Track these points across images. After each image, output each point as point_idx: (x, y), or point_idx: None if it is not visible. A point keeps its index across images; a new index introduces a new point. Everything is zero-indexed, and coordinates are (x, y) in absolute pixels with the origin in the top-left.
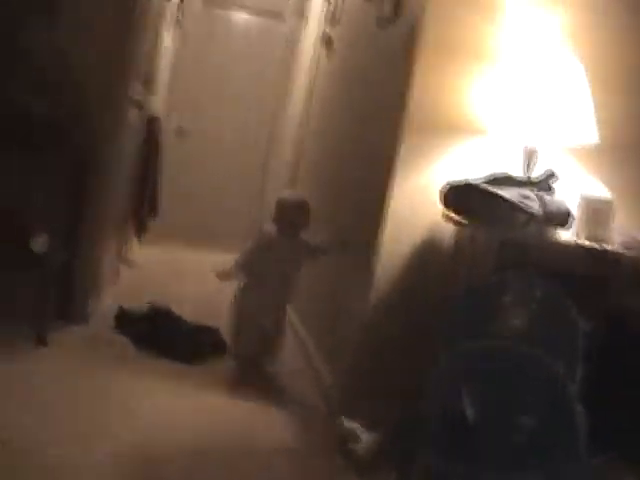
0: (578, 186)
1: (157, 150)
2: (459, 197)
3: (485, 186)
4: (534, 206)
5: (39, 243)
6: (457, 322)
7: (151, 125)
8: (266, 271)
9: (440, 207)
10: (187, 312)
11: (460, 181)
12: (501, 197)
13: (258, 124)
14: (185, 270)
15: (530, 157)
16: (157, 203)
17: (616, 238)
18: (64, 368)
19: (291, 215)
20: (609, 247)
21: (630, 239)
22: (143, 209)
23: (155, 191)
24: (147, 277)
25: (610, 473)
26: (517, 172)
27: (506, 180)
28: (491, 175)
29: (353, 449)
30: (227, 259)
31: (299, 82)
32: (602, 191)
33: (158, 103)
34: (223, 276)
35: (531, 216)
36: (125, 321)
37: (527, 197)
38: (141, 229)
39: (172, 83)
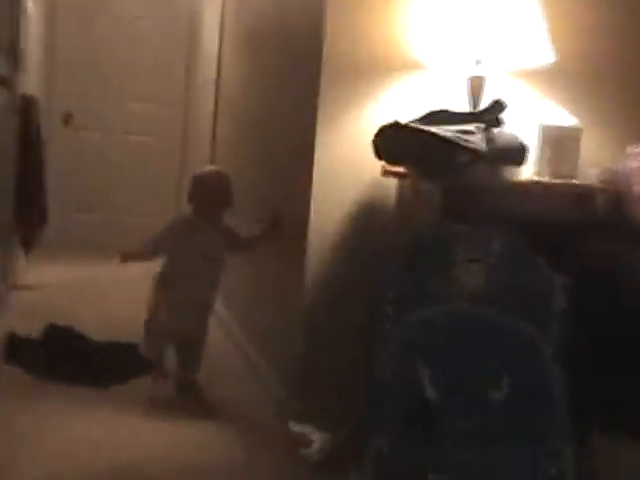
0: (538, 117)
1: (39, 139)
2: (389, 143)
3: (415, 125)
4: (476, 142)
5: None
6: (404, 288)
7: (27, 107)
8: (183, 264)
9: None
10: (95, 331)
11: (388, 123)
12: (435, 134)
13: (162, 101)
14: (87, 288)
15: (476, 89)
16: (45, 207)
17: (591, 172)
18: None
19: (209, 192)
20: (579, 183)
21: (607, 172)
22: (28, 216)
23: (41, 192)
24: (41, 300)
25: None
26: (463, 109)
27: (444, 116)
28: (426, 113)
29: (306, 454)
30: (138, 271)
31: (205, 47)
32: (567, 119)
33: (31, 82)
34: (128, 257)
35: (474, 154)
36: (17, 349)
37: (468, 132)
38: (28, 242)
39: (47, 59)
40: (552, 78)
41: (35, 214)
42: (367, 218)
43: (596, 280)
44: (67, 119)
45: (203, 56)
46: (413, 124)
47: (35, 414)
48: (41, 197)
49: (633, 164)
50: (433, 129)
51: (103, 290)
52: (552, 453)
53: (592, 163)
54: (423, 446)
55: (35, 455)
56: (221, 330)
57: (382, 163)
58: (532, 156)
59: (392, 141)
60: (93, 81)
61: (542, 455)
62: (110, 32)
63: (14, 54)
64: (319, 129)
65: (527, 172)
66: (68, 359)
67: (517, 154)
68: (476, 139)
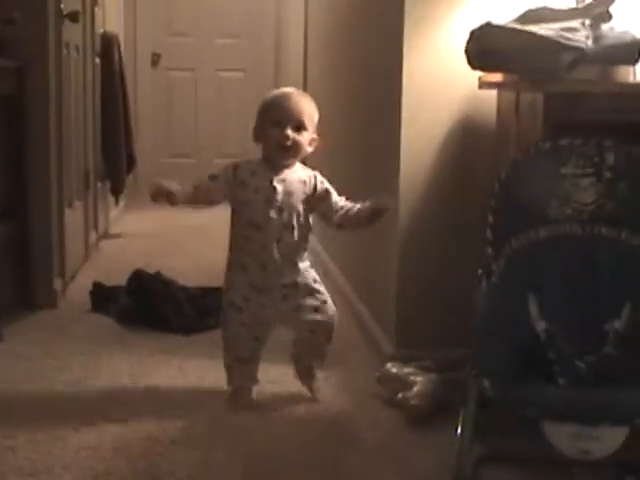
0: None
1: (122, 79)
2: (482, 47)
3: (511, 25)
4: (582, 39)
5: None
6: (506, 210)
7: (108, 46)
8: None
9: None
10: (183, 278)
11: (480, 25)
12: (533, 33)
13: (253, 37)
14: (175, 235)
15: None
16: (133, 151)
17: None
18: (26, 362)
19: (281, 117)
20: None
21: None
22: (116, 161)
23: (129, 136)
24: (130, 248)
25: None
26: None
27: (543, 13)
28: (524, 12)
29: (405, 397)
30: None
31: None
32: None
33: (112, 17)
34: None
35: (579, 53)
36: (103, 297)
37: (572, 29)
38: (117, 188)
39: None
40: None
41: (123, 160)
42: (465, 136)
43: None
44: (155, 60)
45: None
46: (509, 24)
47: (122, 360)
48: (129, 142)
49: None
50: (531, 28)
51: (192, 236)
52: None
53: None
54: (532, 386)
55: (123, 400)
56: (319, 269)
57: (478, 73)
58: None
59: (486, 44)
60: (179, 18)
61: None
62: None
63: None
64: (406, 42)
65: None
66: (154, 305)
67: (630, 52)
68: (581, 36)
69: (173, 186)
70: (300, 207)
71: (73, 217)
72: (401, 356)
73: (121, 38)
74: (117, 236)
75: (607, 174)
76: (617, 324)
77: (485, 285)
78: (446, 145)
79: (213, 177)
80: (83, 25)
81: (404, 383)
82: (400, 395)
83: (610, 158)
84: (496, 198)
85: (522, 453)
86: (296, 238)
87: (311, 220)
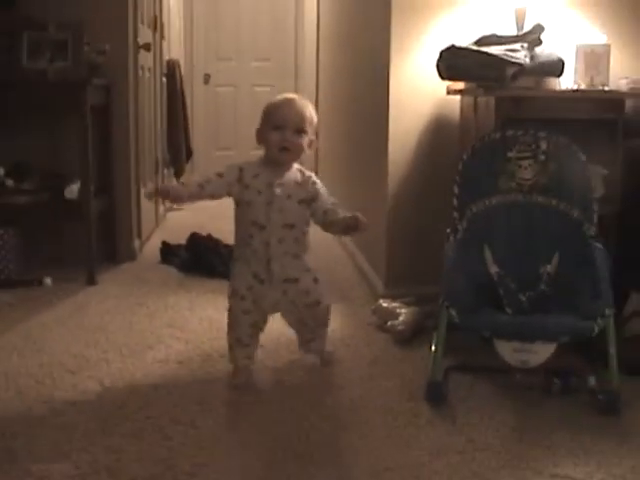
0: (574, 37)
1: (182, 93)
2: (448, 63)
3: (469, 46)
4: (521, 57)
5: (72, 191)
6: (468, 185)
7: (171, 68)
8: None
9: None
10: (227, 238)
11: (446, 47)
12: (485, 53)
13: (278, 59)
14: (223, 208)
15: (520, 16)
16: (190, 145)
17: (622, 84)
18: (114, 299)
19: (283, 122)
20: (610, 89)
21: (635, 83)
22: (178, 153)
23: (187, 134)
24: (188, 218)
25: None
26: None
27: (493, 39)
28: (479, 38)
29: (392, 325)
30: None
31: (307, 13)
32: (599, 38)
33: (174, 47)
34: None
35: (519, 67)
36: (169, 253)
37: (514, 50)
38: (178, 173)
39: (186, 28)
40: (585, 4)
41: (183, 151)
42: (437, 129)
43: (627, 169)
44: (206, 79)
45: (307, 20)
46: (468, 46)
47: (183, 298)
48: (187, 139)
49: None
50: (484, 49)
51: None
52: (596, 315)
53: (622, 75)
54: (487, 314)
55: (185, 326)
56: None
57: (446, 83)
58: (571, 70)
59: (451, 61)
60: (225, 46)
61: (587, 315)
62: (234, 5)
63: (157, 26)
64: (392, 59)
65: (567, 83)
66: (205, 258)
67: (556, 67)
68: (521, 55)
69: (176, 187)
70: (298, 207)
71: None
72: (390, 294)
73: (181, 63)
74: (178, 209)
75: (541, 157)
76: (549, 268)
77: (452, 240)
78: (423, 136)
79: (220, 174)
80: (153, 53)
81: (392, 314)
82: (389, 323)
83: (543, 145)
84: (460, 175)
85: (479, 364)
86: (296, 236)
87: (309, 218)
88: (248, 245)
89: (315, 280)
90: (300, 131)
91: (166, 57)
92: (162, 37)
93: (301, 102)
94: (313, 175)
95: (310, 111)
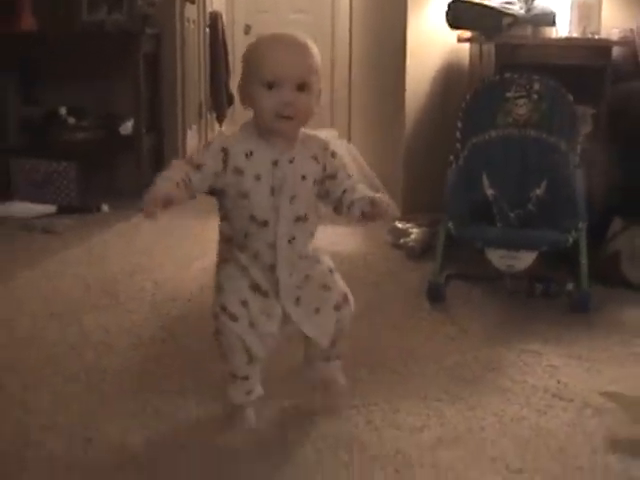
0: None
1: (224, 44)
2: (454, 14)
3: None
4: (516, 9)
5: (126, 128)
6: (470, 120)
7: (214, 20)
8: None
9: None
10: None
11: (451, 0)
12: (485, 5)
13: (315, 12)
14: None
15: None
16: (231, 93)
17: (612, 33)
18: (162, 223)
19: (277, 76)
20: (600, 37)
21: (624, 31)
22: (220, 100)
23: (228, 81)
24: None
25: (625, 232)
26: None
27: None
28: None
29: (405, 242)
30: None
31: None
32: None
33: (216, 0)
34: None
35: (514, 17)
36: (211, 191)
37: (511, 3)
38: (220, 116)
39: None
40: None
41: (225, 98)
42: (449, 73)
43: (614, 109)
44: (247, 30)
45: None
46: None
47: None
48: (229, 86)
49: None
50: (484, 1)
51: None
52: (572, 228)
53: (613, 24)
54: (480, 227)
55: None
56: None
57: (457, 33)
58: (566, 21)
59: (456, 12)
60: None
61: (565, 229)
62: None
63: None
64: (409, 11)
65: (562, 32)
66: None
67: (549, 17)
68: (516, 7)
69: (165, 191)
70: (313, 191)
71: (192, 135)
72: (404, 217)
73: (223, 14)
74: None
75: (534, 96)
76: (538, 191)
77: (454, 166)
78: (437, 79)
79: (196, 166)
80: (197, 6)
81: (405, 233)
82: (402, 240)
83: (537, 86)
84: (463, 111)
85: (475, 273)
86: (310, 230)
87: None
88: (243, 247)
89: (330, 271)
90: (303, 86)
91: (209, 9)
92: None
93: (300, 41)
94: (330, 142)
95: (313, 53)
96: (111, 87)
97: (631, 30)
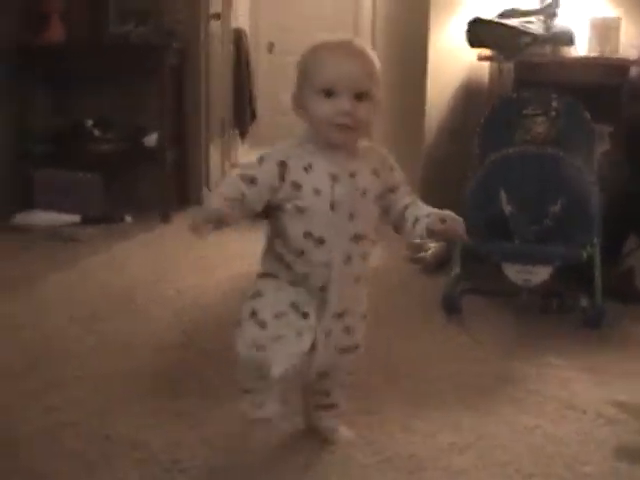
0: (589, 10)
1: (247, 60)
2: (474, 33)
3: (492, 18)
4: (536, 28)
5: (151, 140)
6: (488, 137)
7: (238, 38)
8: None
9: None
10: None
11: (473, 18)
12: (504, 25)
13: (338, 30)
14: None
15: None
16: (255, 108)
17: (632, 52)
18: (187, 234)
19: (335, 84)
20: (618, 57)
21: None
22: (243, 116)
23: (251, 98)
24: None
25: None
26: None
27: (512, 12)
28: (502, 11)
29: (423, 256)
30: None
31: None
32: (610, 12)
33: (241, 16)
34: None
35: (533, 37)
36: None
37: (530, 22)
38: (243, 132)
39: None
40: None
41: (248, 114)
42: (468, 91)
43: (630, 128)
44: (270, 47)
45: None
46: (490, 18)
47: (248, 234)
48: (252, 102)
49: None
50: (504, 20)
51: None
52: (586, 244)
53: (632, 44)
54: (497, 242)
55: (240, 259)
56: None
57: (477, 51)
58: (585, 40)
59: (475, 31)
60: (289, 16)
61: (579, 244)
62: None
63: None
64: (431, 30)
65: (581, 52)
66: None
67: (567, 37)
68: (536, 26)
69: (217, 209)
70: (373, 208)
71: (214, 150)
72: None
73: (247, 32)
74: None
75: (552, 114)
76: (554, 208)
77: (473, 182)
78: (456, 96)
79: (250, 180)
80: (222, 22)
81: (422, 248)
82: (420, 254)
83: (554, 103)
84: (482, 127)
85: (491, 288)
86: (365, 250)
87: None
88: (295, 266)
89: (363, 317)
90: (363, 95)
91: (233, 26)
92: (230, 6)
93: (359, 47)
94: (388, 155)
95: (373, 60)
96: (136, 99)
97: None
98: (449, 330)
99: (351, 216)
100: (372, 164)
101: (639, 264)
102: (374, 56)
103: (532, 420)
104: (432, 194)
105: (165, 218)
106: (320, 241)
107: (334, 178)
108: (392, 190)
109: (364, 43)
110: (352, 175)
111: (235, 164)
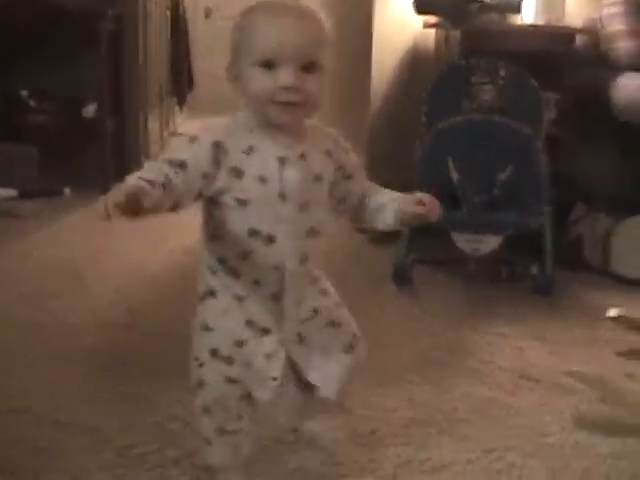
0: None
1: (185, 26)
2: (421, 0)
3: None
4: None
5: (89, 110)
6: (436, 105)
7: (175, 2)
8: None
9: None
10: None
11: None
12: None
13: None
14: None
15: None
16: (192, 75)
17: (577, 21)
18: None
19: (277, 53)
20: (564, 25)
21: (588, 19)
22: (181, 82)
23: (189, 64)
24: None
25: (587, 217)
26: None
27: None
28: None
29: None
30: None
31: None
32: None
33: None
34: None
35: (481, 4)
36: None
37: None
38: (181, 100)
39: None
40: None
41: (185, 81)
42: (414, 58)
43: (575, 95)
44: (207, 12)
45: None
46: None
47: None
48: (189, 69)
49: (606, 12)
50: None
51: None
52: (537, 213)
53: (577, 13)
54: (446, 211)
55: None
56: None
57: (423, 18)
58: (531, 9)
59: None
60: None
61: (530, 213)
62: None
63: None
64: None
65: (528, 20)
66: None
67: (515, 5)
68: None
69: (134, 189)
70: (327, 195)
71: (153, 119)
72: None
73: None
74: (181, 134)
75: (500, 82)
76: (502, 176)
77: (421, 151)
78: (403, 64)
79: (179, 164)
80: None
81: None
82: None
83: (502, 72)
84: (428, 96)
85: (440, 257)
86: (319, 245)
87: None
88: (239, 273)
89: (337, 304)
90: (311, 66)
91: None
92: None
93: (305, 9)
94: (339, 136)
95: (322, 21)
96: (73, 69)
97: (594, 19)
98: (400, 301)
99: (305, 207)
100: (323, 145)
101: (586, 232)
102: (322, 18)
103: (489, 392)
104: (379, 163)
105: (105, 190)
106: (269, 239)
107: (282, 162)
108: (348, 176)
109: (309, 4)
110: (302, 157)
111: (174, 133)
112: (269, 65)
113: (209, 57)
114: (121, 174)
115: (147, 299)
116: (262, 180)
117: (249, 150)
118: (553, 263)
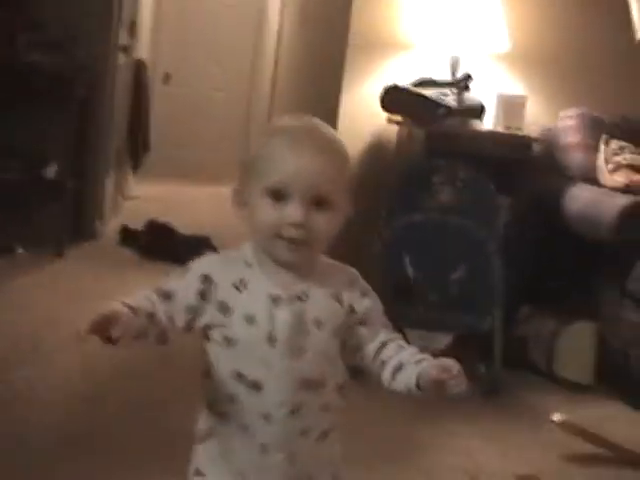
0: (496, 87)
1: (146, 92)
2: (390, 99)
3: (409, 87)
4: (450, 101)
5: (50, 171)
6: (396, 201)
7: (138, 68)
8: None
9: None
10: (182, 228)
11: (390, 85)
12: (422, 95)
13: (234, 66)
14: (179, 200)
15: (455, 64)
16: (149, 140)
17: (533, 128)
18: (79, 273)
19: (286, 184)
20: (522, 134)
21: (544, 129)
22: (137, 145)
23: (147, 129)
24: (144, 207)
25: (533, 319)
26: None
27: (429, 83)
28: (417, 80)
29: None
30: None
31: (270, 23)
32: (518, 90)
33: (142, 47)
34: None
35: (448, 109)
36: (128, 236)
37: (445, 94)
38: (136, 164)
39: (155, 27)
40: (508, 60)
41: (141, 145)
42: (376, 153)
43: (530, 201)
44: (166, 78)
45: (268, 31)
46: (407, 86)
47: (138, 278)
48: (146, 133)
49: (562, 124)
50: (421, 90)
51: (190, 202)
52: (487, 314)
53: (535, 122)
54: (402, 308)
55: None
56: None
57: (386, 114)
58: (491, 114)
59: (392, 98)
60: (187, 48)
61: (480, 315)
62: (202, 13)
63: (133, 27)
64: (344, 89)
65: (488, 126)
66: (161, 244)
67: (478, 111)
68: (450, 99)
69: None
70: (333, 344)
71: (110, 182)
72: None
73: (147, 62)
74: (135, 198)
75: (459, 184)
76: (456, 275)
77: (380, 245)
78: (365, 155)
79: (165, 294)
80: (127, 55)
81: None
82: None
83: (461, 174)
84: (391, 191)
85: None
86: (326, 401)
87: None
88: (228, 416)
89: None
90: (323, 201)
91: (136, 56)
92: (134, 38)
93: (328, 136)
94: (359, 276)
95: (342, 155)
96: (40, 129)
97: (551, 130)
98: (355, 392)
99: (297, 354)
100: (333, 286)
101: (531, 334)
102: (345, 149)
103: None
104: (335, 256)
105: (59, 252)
106: (255, 386)
107: (274, 300)
108: (362, 322)
109: (332, 130)
110: (301, 299)
111: (127, 197)
112: (278, 196)
113: (165, 123)
114: (76, 236)
115: (114, 372)
116: (249, 319)
117: (240, 285)
118: (500, 366)
